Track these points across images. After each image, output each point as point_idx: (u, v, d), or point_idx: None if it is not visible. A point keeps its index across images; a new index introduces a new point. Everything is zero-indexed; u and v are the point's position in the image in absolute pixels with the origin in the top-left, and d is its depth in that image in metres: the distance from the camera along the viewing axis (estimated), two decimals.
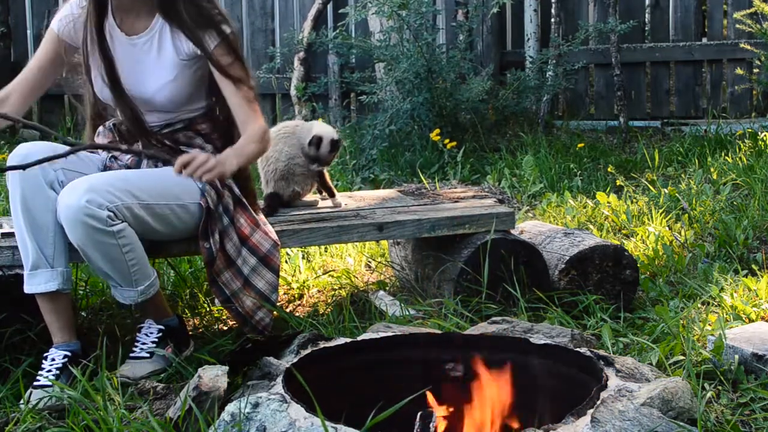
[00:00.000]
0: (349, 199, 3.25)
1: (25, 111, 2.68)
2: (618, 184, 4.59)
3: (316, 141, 3.00)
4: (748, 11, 5.52)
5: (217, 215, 2.61)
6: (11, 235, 2.61)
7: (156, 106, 2.65)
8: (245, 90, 2.60)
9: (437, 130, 5.22)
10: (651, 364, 2.33)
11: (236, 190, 2.70)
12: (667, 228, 3.71)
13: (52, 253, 2.46)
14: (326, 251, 3.75)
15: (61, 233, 2.47)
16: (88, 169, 2.58)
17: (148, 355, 2.56)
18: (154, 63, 2.63)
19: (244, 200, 2.71)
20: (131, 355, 2.57)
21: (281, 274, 3.32)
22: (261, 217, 2.76)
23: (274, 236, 2.71)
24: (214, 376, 2.01)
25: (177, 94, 2.65)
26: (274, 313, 2.71)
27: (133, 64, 2.64)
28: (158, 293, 2.62)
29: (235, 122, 2.64)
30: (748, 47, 5.83)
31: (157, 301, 2.62)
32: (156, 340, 2.59)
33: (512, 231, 3.03)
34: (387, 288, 3.27)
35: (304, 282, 3.38)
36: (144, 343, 2.59)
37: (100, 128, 2.74)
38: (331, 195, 3.15)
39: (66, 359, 2.44)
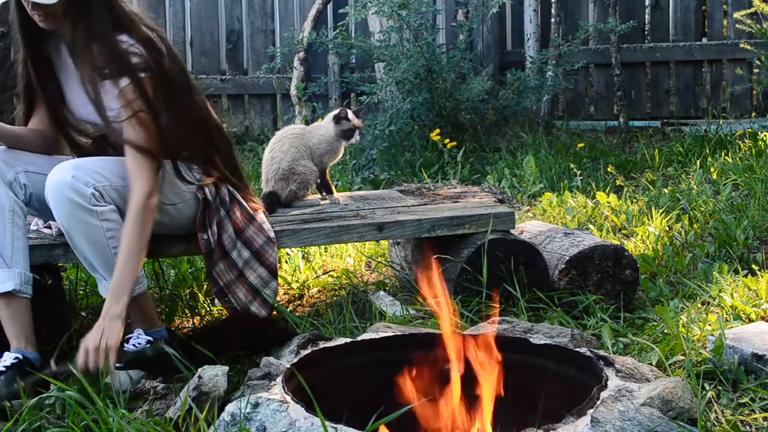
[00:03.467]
0: (349, 199, 3.25)
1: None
2: (618, 184, 4.59)
3: (344, 114, 3.13)
4: (748, 11, 5.51)
5: (214, 206, 2.61)
6: None
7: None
8: (138, 154, 2.45)
9: (437, 130, 5.22)
10: (651, 364, 2.33)
11: (230, 186, 2.71)
12: (667, 228, 3.71)
13: (10, 254, 2.44)
14: (326, 251, 3.75)
15: (21, 236, 2.45)
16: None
17: None
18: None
19: (238, 195, 2.72)
20: (117, 365, 2.47)
21: (281, 274, 3.33)
22: (259, 215, 2.77)
23: (269, 233, 2.71)
24: (214, 376, 2.01)
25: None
26: (274, 312, 2.71)
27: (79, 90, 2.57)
28: (147, 299, 2.59)
29: (213, 122, 2.64)
30: (748, 47, 5.83)
31: (144, 306, 2.58)
32: None
33: (512, 231, 3.03)
34: (387, 288, 3.27)
35: (304, 282, 3.38)
36: None
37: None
38: (329, 192, 3.18)
39: (16, 360, 2.36)
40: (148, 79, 2.45)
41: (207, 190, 2.59)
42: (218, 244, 2.60)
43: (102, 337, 2.31)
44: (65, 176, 2.38)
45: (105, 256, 2.44)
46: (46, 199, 2.41)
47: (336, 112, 3.16)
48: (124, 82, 2.44)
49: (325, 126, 3.16)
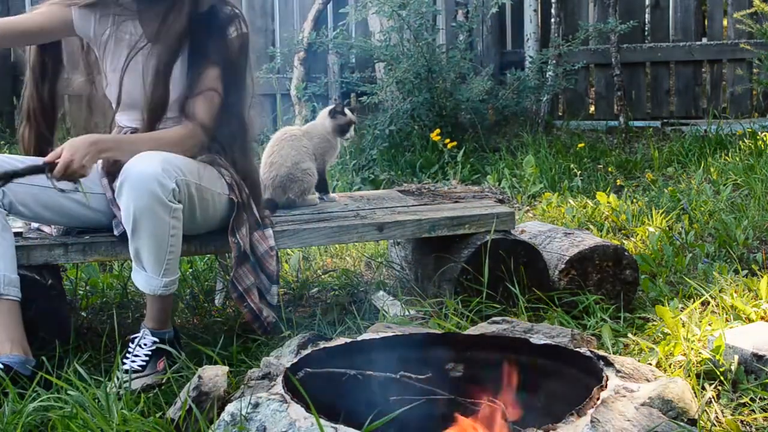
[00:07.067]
0: (349, 199, 3.25)
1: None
2: (618, 184, 4.59)
3: (339, 108, 3.15)
4: (748, 11, 5.52)
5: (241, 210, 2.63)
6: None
7: (173, 112, 2.62)
8: (211, 93, 2.60)
9: (437, 130, 5.22)
10: (651, 364, 2.33)
11: (246, 190, 2.71)
12: (667, 228, 3.71)
13: None
14: (326, 251, 3.75)
15: (6, 238, 2.44)
16: (37, 179, 2.51)
17: (140, 368, 2.47)
18: (176, 70, 2.62)
19: (251, 201, 2.72)
20: (123, 367, 2.44)
21: (281, 274, 3.32)
22: (265, 220, 2.77)
23: (270, 242, 2.72)
24: (214, 376, 2.01)
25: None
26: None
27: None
28: (170, 301, 2.58)
29: (224, 108, 2.64)
30: (748, 47, 5.84)
31: (167, 306, 2.56)
32: (150, 352, 2.50)
33: (512, 231, 3.03)
34: (387, 288, 3.27)
35: (304, 282, 3.37)
36: (137, 355, 2.49)
37: None
38: (326, 192, 3.19)
39: (1, 367, 2.32)
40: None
41: (237, 193, 2.61)
42: (243, 248, 2.61)
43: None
44: (154, 168, 2.37)
45: (159, 251, 2.43)
46: (120, 186, 2.39)
47: (331, 106, 3.16)
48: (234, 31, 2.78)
49: (321, 123, 3.15)
